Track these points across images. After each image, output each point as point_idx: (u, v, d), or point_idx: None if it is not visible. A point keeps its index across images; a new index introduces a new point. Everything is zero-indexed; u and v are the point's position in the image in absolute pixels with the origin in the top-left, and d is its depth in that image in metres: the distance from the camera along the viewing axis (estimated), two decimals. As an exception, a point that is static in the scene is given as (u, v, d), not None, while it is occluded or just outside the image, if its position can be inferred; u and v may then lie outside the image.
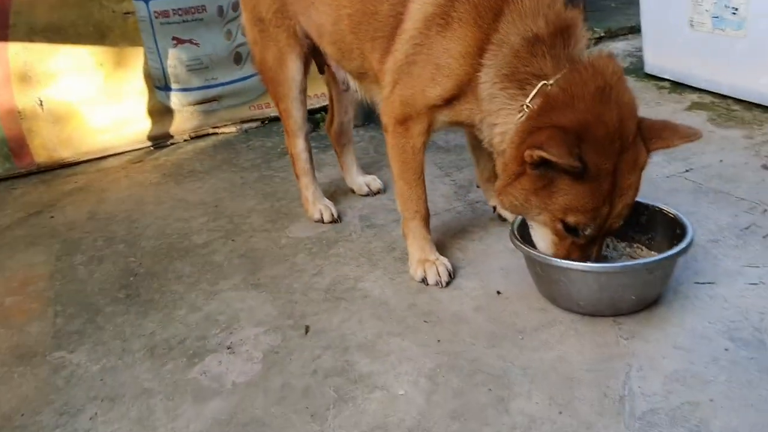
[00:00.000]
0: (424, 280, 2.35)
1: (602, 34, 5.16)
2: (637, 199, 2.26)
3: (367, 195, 3.09)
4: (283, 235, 2.82)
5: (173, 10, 3.91)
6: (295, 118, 2.82)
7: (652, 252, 2.25)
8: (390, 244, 2.64)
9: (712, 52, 3.83)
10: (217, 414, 1.86)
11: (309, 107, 3.85)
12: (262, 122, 4.19)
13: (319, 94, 4.01)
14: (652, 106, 3.86)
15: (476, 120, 2.17)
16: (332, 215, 2.87)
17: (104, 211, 3.24)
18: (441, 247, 2.55)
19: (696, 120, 3.58)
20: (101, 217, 3.17)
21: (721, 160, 3.07)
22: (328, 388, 1.92)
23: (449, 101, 2.17)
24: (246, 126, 4.16)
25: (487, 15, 2.02)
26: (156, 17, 3.89)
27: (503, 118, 2.07)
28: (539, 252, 2.08)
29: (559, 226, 2.00)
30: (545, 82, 1.97)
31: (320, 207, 2.89)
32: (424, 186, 2.40)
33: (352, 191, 3.13)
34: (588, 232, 1.98)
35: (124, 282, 2.58)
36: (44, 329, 2.33)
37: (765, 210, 2.60)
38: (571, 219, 1.96)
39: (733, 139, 3.30)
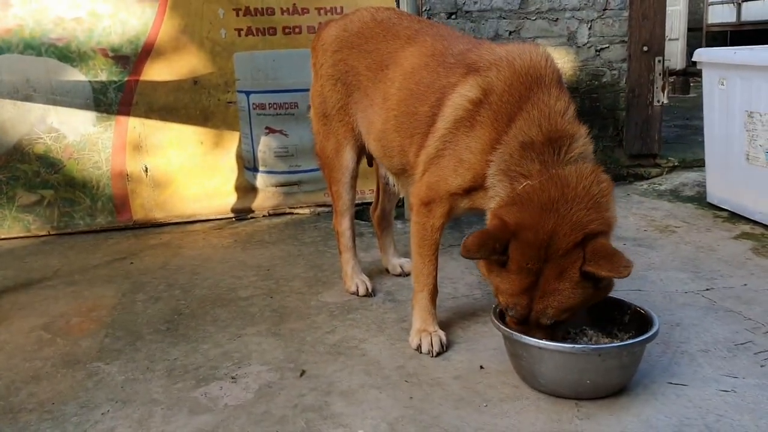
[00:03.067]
0: (418, 348, 2.58)
1: (676, 164, 5.29)
2: (623, 299, 2.45)
3: (399, 275, 3.38)
4: (314, 299, 3.15)
5: (269, 103, 4.50)
6: (344, 200, 3.19)
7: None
8: (402, 317, 2.89)
9: (766, 186, 3.91)
10: (203, 426, 2.15)
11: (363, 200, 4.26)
12: (333, 208, 4.61)
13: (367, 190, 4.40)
14: (702, 232, 3.96)
15: (484, 204, 2.46)
16: (367, 289, 3.17)
17: (175, 263, 3.70)
18: (446, 324, 2.78)
19: (739, 248, 3.64)
20: (170, 267, 3.64)
21: (745, 284, 3.13)
22: (301, 419, 2.17)
23: (468, 191, 2.48)
24: (319, 209, 4.60)
25: (503, 119, 2.35)
26: (254, 108, 4.49)
27: (495, 204, 2.35)
28: (507, 328, 2.27)
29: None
30: (529, 182, 2.25)
31: (357, 281, 3.19)
32: (436, 264, 2.67)
33: (387, 270, 3.43)
34: (512, 314, 2.25)
35: (169, 318, 2.98)
36: (93, 344, 2.74)
37: (767, 332, 2.65)
38: (500, 298, 2.27)
39: (767, 268, 3.35)
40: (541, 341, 2.18)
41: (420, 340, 2.59)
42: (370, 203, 4.28)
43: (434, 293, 2.69)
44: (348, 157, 3.12)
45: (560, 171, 2.23)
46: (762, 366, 2.40)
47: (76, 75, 4.21)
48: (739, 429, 2.03)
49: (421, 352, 2.57)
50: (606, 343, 2.43)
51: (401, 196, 3.27)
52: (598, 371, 2.15)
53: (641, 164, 5.25)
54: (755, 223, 4.01)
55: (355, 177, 3.17)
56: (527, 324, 2.23)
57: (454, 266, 3.48)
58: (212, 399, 2.31)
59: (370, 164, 3.29)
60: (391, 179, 3.07)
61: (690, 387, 2.27)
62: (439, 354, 2.55)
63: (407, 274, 3.37)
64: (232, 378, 2.44)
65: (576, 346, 2.18)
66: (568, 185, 2.19)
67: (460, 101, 2.48)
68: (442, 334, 2.62)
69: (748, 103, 3.99)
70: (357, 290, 3.16)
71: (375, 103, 2.89)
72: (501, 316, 2.37)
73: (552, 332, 2.24)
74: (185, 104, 4.39)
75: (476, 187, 2.45)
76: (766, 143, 3.87)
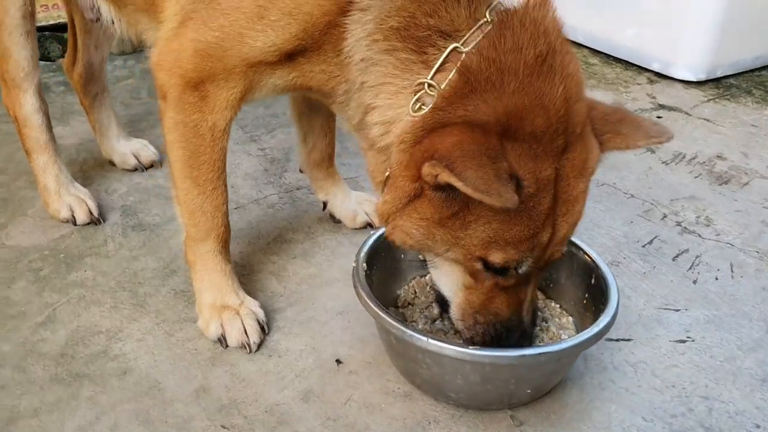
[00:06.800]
0: (221, 340, 1.51)
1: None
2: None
3: (134, 170, 2.13)
4: (-5, 242, 1.81)
5: None
6: (17, 60, 1.76)
7: (552, 303, 1.58)
8: (168, 263, 1.75)
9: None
10: None
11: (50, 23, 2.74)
12: None
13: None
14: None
15: (338, 90, 1.35)
16: (89, 213, 1.89)
17: None
18: (245, 270, 1.73)
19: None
20: None
21: (595, 135, 2.49)
22: None
23: (290, 56, 1.32)
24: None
25: None
26: None
27: (388, 98, 1.27)
28: (392, 319, 1.32)
29: (478, 265, 1.27)
30: (457, 45, 1.19)
31: (69, 200, 1.89)
32: (226, 189, 1.52)
33: (112, 164, 2.15)
34: (522, 269, 1.27)
35: None
36: None
37: (665, 216, 2.05)
38: (496, 257, 1.24)
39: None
40: (458, 348, 1.26)
41: (221, 325, 1.51)
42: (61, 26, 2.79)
43: (227, 239, 1.57)
44: None
45: (514, 12, 1.21)
46: (695, 282, 1.79)
47: None
48: (743, 422, 1.40)
49: (226, 347, 1.51)
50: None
51: (126, 38, 1.87)
52: (548, 375, 1.34)
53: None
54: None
55: (30, 14, 1.74)
56: (529, 276, 1.30)
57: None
58: None
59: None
60: (107, 12, 1.71)
61: (636, 343, 1.58)
62: (259, 346, 1.52)
63: (147, 167, 2.14)
64: None
65: (523, 354, 1.28)
66: (545, 30, 1.21)
67: None
68: (254, 306, 1.56)
69: None
70: (72, 216, 1.87)
71: None
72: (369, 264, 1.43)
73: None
74: None
75: (309, 49, 1.31)
76: (577, -64, 3.11)
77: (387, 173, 1.28)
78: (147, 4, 1.47)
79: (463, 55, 1.18)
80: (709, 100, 2.83)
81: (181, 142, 1.44)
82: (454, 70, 1.18)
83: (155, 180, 2.09)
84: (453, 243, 1.26)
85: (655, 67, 3.01)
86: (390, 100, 1.26)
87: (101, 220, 1.89)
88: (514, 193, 1.09)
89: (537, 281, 1.34)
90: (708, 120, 2.66)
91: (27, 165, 2.01)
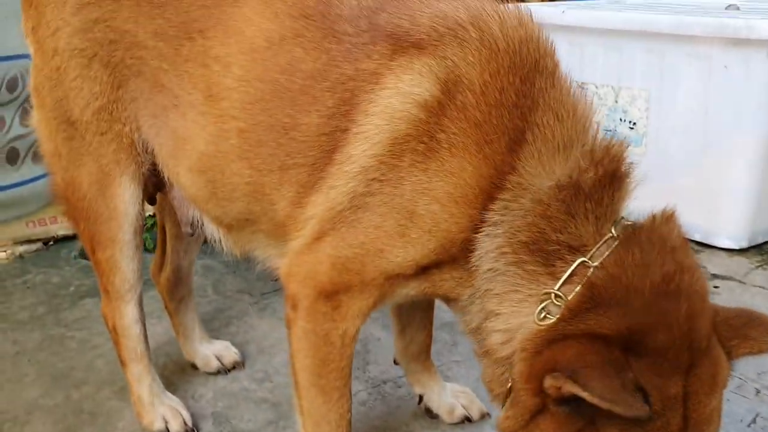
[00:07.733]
0: None
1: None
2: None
3: (217, 372, 2.10)
4: (90, 463, 1.75)
5: None
6: (125, 273, 1.77)
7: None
8: (274, 475, 1.68)
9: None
10: None
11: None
12: (45, 244, 3.01)
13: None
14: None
15: (462, 296, 1.39)
16: (183, 423, 1.84)
17: None
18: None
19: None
20: None
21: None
22: None
23: (425, 268, 1.38)
24: (22, 250, 2.96)
25: (499, 141, 1.29)
26: None
27: (512, 306, 1.30)
28: None
29: None
30: (584, 259, 1.23)
31: (163, 411, 1.85)
32: (351, 398, 1.51)
33: (194, 367, 2.12)
34: None
35: None
36: None
37: (758, 391, 2.03)
38: None
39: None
40: None
41: None
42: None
43: (349, 449, 1.54)
44: (125, 196, 1.72)
45: (641, 230, 1.26)
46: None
47: None
48: None
49: None
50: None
51: (230, 254, 1.91)
52: None
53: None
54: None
55: (140, 230, 1.78)
56: None
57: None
58: None
59: (152, 201, 1.92)
60: (217, 234, 1.76)
61: None
62: None
63: (230, 369, 2.12)
64: None
65: None
66: (672, 250, 1.24)
67: (398, 105, 1.35)
68: None
69: (579, 73, 3.40)
70: (166, 428, 1.83)
71: (185, 101, 1.57)
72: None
73: None
74: None
75: (443, 262, 1.36)
76: (604, 119, 3.33)
77: (509, 385, 1.28)
78: (276, 226, 1.52)
79: (591, 270, 1.21)
80: (757, 267, 2.89)
81: (310, 350, 1.45)
82: (580, 284, 1.21)
83: (240, 382, 2.06)
84: None
85: (697, 237, 3.10)
86: (514, 307, 1.28)
87: (195, 430, 1.84)
88: (643, 402, 1.08)
89: None
90: (763, 287, 2.71)
91: (108, 374, 2.01)
